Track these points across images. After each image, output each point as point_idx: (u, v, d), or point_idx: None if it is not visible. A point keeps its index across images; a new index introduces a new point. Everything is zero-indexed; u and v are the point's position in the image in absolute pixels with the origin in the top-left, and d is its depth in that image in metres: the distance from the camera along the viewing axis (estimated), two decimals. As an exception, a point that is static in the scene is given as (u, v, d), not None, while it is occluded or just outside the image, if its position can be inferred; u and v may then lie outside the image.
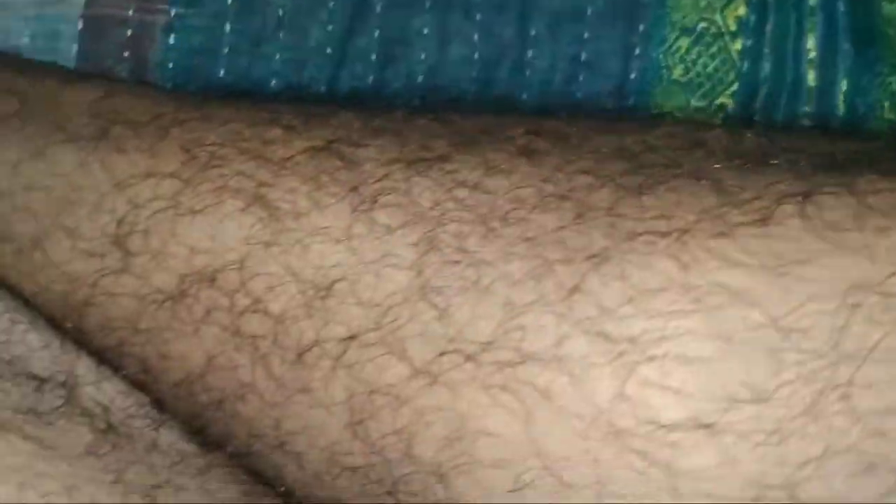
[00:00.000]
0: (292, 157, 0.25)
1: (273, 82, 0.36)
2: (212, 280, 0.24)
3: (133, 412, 0.26)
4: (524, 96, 0.37)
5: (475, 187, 0.23)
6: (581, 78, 0.37)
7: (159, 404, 0.27)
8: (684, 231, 0.21)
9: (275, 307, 0.23)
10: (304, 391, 0.23)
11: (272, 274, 0.24)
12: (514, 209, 0.22)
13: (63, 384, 0.25)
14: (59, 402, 0.24)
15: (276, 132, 0.26)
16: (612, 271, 0.21)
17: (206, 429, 0.26)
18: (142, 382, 0.26)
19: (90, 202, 0.25)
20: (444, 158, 0.24)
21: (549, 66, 0.36)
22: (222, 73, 0.35)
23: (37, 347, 0.26)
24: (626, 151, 0.25)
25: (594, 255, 0.21)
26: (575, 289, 0.21)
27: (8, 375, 0.24)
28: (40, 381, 0.25)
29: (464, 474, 0.21)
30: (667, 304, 0.20)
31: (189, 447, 0.26)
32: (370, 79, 0.36)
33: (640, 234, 0.21)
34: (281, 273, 0.24)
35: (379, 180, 0.24)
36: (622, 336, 0.20)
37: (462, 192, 0.23)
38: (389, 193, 0.24)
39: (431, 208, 0.23)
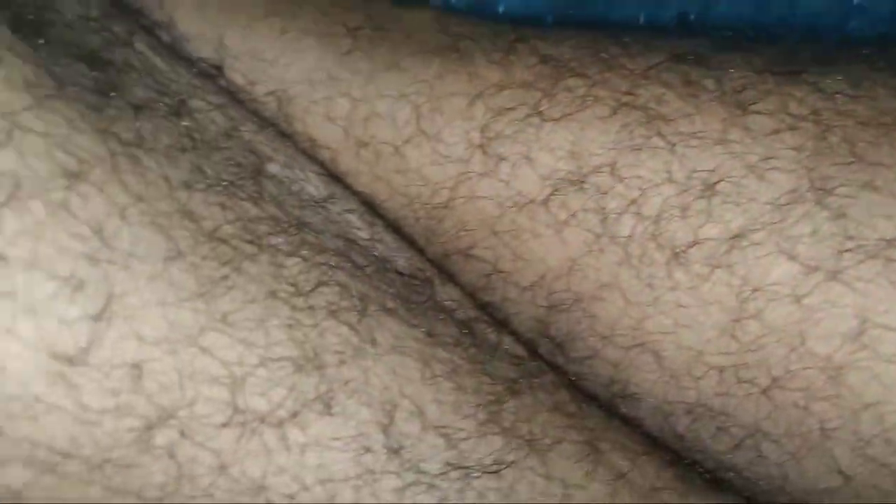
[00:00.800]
0: (652, 67, 0.26)
1: (550, 19, 0.37)
2: (580, 183, 0.25)
3: (474, 315, 0.27)
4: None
5: (852, 96, 0.24)
6: (853, 22, 0.37)
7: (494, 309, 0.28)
8: None
9: (648, 209, 0.24)
10: (676, 290, 0.24)
11: (644, 178, 0.24)
12: (903, 115, 0.23)
13: (423, 281, 0.26)
14: (424, 297, 0.26)
15: (618, 49, 0.27)
16: None
17: (547, 332, 0.27)
18: (483, 287, 0.27)
19: (452, 110, 0.26)
20: (807, 71, 0.25)
21: (821, 6, 0.36)
22: (502, 9, 0.37)
23: (394, 247, 0.27)
24: None
25: None
26: None
27: (381, 269, 0.26)
28: (406, 277, 0.26)
29: (860, 370, 0.22)
30: None
31: (523, 352, 0.27)
32: (641, 17, 0.37)
33: None
34: (653, 176, 0.24)
35: (747, 88, 0.25)
36: None
37: (841, 99, 0.23)
38: (761, 101, 0.24)
39: (810, 114, 0.24)
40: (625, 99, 0.25)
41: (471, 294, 0.28)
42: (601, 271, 0.25)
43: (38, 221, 0.18)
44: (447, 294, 0.27)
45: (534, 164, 0.26)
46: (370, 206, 0.28)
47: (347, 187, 0.28)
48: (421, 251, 0.28)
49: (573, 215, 0.25)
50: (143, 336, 0.19)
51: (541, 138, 0.26)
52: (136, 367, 0.19)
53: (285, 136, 0.28)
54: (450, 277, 0.28)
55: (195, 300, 0.20)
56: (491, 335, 0.27)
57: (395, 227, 0.28)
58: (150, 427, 0.19)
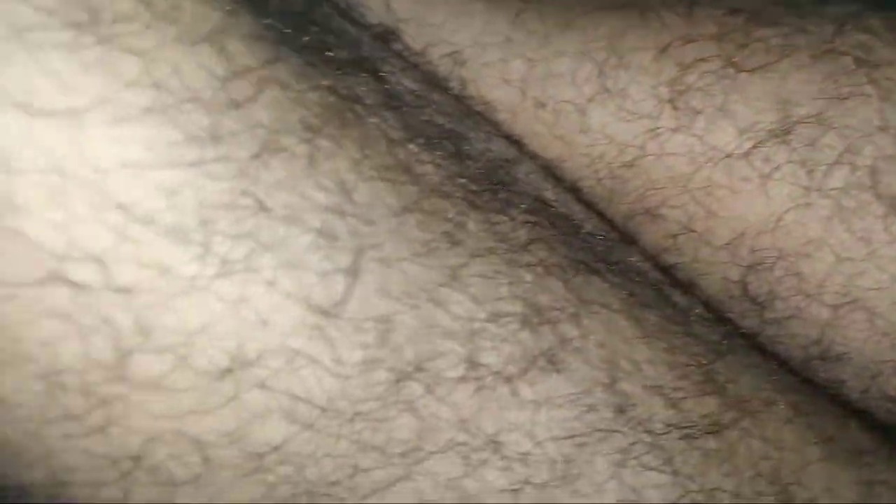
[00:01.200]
0: (851, 14, 0.24)
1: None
2: (784, 135, 0.24)
3: (660, 277, 0.27)
4: None
5: None
6: None
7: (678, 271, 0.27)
8: None
9: (862, 159, 0.23)
10: (895, 243, 0.23)
11: (854, 127, 0.23)
12: None
13: (614, 242, 0.26)
14: (616, 258, 0.25)
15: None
16: None
17: (745, 292, 0.26)
18: (669, 248, 0.27)
19: (637, 65, 0.26)
20: None
21: None
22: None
23: (578, 209, 0.26)
24: None
25: None
26: None
27: (574, 229, 0.25)
28: (598, 238, 0.25)
29: None
30: None
31: (711, 314, 0.27)
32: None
33: None
34: (865, 126, 0.23)
35: None
36: None
37: None
38: None
39: None
40: (826, 47, 0.24)
41: (653, 256, 0.27)
42: (808, 226, 0.24)
43: (290, 174, 0.18)
44: (635, 256, 0.26)
45: (731, 117, 0.25)
46: (549, 169, 0.27)
47: (525, 149, 0.27)
48: (600, 213, 0.27)
49: (777, 168, 0.24)
50: (388, 290, 0.19)
51: (738, 90, 0.25)
52: (384, 321, 0.18)
53: (462, 98, 0.27)
54: (632, 240, 0.27)
55: (426, 256, 0.20)
56: (680, 298, 0.26)
57: (573, 189, 0.27)
58: (398, 380, 0.18)
